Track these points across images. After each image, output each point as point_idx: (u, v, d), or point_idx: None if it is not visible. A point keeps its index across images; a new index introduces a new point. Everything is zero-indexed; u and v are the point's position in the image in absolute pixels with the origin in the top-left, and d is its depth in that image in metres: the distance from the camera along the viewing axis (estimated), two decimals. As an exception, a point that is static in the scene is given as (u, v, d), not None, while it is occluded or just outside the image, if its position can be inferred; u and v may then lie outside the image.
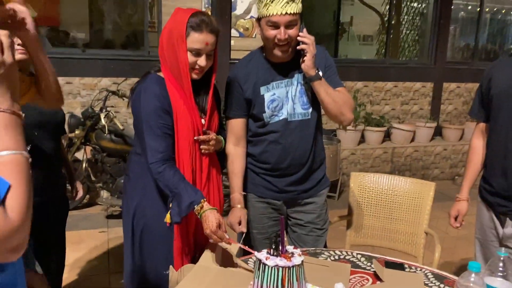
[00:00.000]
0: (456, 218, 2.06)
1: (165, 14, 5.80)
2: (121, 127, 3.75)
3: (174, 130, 1.67)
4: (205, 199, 1.61)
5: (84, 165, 3.92)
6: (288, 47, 1.79)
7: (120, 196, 3.61)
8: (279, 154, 1.91)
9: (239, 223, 1.84)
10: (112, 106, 4.12)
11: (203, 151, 1.75)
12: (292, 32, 1.75)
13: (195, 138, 1.71)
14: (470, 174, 2.07)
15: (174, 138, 1.67)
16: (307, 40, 1.75)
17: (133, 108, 1.71)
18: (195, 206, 1.58)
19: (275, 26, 1.73)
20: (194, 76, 1.66)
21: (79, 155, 3.96)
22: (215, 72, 1.75)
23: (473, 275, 1.16)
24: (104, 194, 3.95)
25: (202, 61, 1.64)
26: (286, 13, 1.70)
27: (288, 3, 1.69)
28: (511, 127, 1.83)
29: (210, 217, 1.57)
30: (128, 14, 5.87)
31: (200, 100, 1.75)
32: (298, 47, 1.77)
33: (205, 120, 1.75)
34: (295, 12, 1.71)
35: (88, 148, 3.97)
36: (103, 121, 3.73)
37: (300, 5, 1.74)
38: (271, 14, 1.71)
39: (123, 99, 4.00)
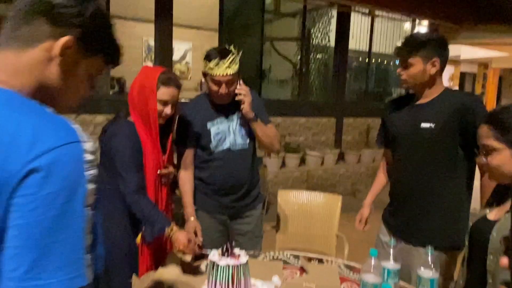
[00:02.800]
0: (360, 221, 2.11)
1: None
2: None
3: (143, 165, 1.74)
4: (174, 223, 1.69)
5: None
6: (228, 97, 1.94)
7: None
8: (223, 177, 2.01)
9: (195, 234, 1.91)
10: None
11: (163, 182, 1.83)
12: (231, 88, 1.91)
13: (158, 172, 1.79)
14: (375, 187, 2.13)
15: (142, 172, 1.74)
16: (243, 91, 1.91)
17: (105, 147, 1.75)
18: (166, 229, 1.66)
19: (218, 83, 1.88)
20: (161, 121, 1.77)
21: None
22: (175, 118, 1.87)
23: (373, 259, 1.36)
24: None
25: (168, 109, 1.75)
26: (227, 74, 1.84)
27: (229, 67, 1.84)
28: (403, 157, 1.87)
29: (180, 237, 1.65)
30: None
31: (162, 140, 1.83)
32: (236, 98, 1.91)
33: (165, 157, 1.84)
34: (234, 72, 1.86)
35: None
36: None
37: (238, 65, 1.88)
38: (215, 74, 1.85)
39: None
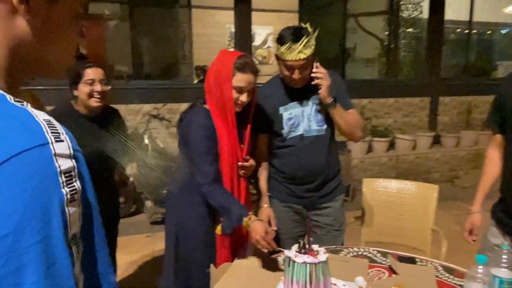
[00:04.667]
0: (470, 232, 1.77)
1: (196, 48, 5.91)
2: (161, 145, 3.80)
3: (219, 156, 1.67)
4: (252, 212, 1.61)
5: (131, 179, 3.97)
6: (302, 81, 1.79)
7: (162, 205, 3.63)
8: (295, 165, 1.89)
9: (269, 223, 1.82)
10: (154, 128, 4.18)
11: (241, 174, 1.75)
12: (305, 72, 1.75)
13: (239, 164, 1.71)
14: (484, 185, 1.75)
15: (218, 161, 1.68)
16: (320, 75, 1.74)
17: (182, 137, 1.72)
18: (244, 218, 1.58)
19: (291, 68, 1.73)
20: (237, 109, 1.67)
21: (127, 170, 4.01)
22: (253, 106, 1.76)
23: (480, 267, 1.13)
24: (148, 203, 3.99)
25: (244, 97, 1.65)
26: (300, 58, 1.69)
27: (301, 51, 1.67)
28: None
29: (258, 226, 1.56)
30: (164, 49, 5.97)
31: (239, 130, 1.75)
32: (313, 83, 1.75)
33: (244, 147, 1.76)
34: (307, 56, 1.69)
35: (134, 164, 4.03)
36: (146, 141, 3.79)
37: (313, 47, 1.71)
38: (287, 59, 1.71)
39: (163, 122, 4.06)
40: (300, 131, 1.88)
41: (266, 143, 1.95)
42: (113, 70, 5.65)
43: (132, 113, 4.76)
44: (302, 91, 1.86)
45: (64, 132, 0.49)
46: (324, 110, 1.84)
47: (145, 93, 4.82)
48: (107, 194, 2.03)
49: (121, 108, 4.74)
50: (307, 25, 1.74)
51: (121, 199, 3.93)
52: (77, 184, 0.48)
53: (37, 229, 0.43)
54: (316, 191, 1.94)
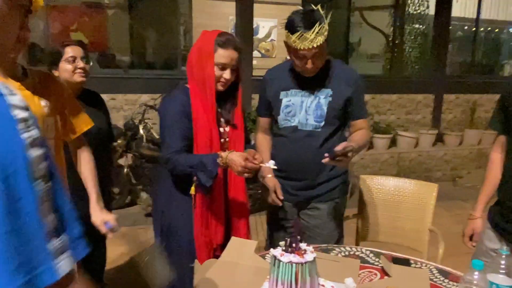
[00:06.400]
0: (471, 237, 1.69)
1: (196, 39, 5.82)
2: (157, 137, 3.74)
3: (193, 136, 1.59)
4: (221, 151, 1.53)
5: (126, 170, 3.92)
6: (314, 71, 1.69)
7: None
8: (285, 157, 1.79)
9: (275, 192, 1.76)
10: (149, 119, 4.11)
11: (246, 176, 1.56)
12: (318, 62, 1.65)
13: (248, 166, 1.49)
14: (486, 189, 1.66)
15: (192, 144, 1.60)
16: (343, 158, 1.51)
17: (159, 112, 1.66)
18: (218, 160, 1.50)
19: (303, 57, 1.63)
20: (220, 87, 1.59)
21: (122, 161, 3.97)
22: (241, 87, 1.68)
23: (476, 272, 1.05)
24: (143, 195, 3.94)
25: (227, 74, 1.57)
26: (313, 47, 1.58)
27: (313, 40, 1.56)
28: None
29: (234, 158, 1.47)
30: (164, 39, 5.89)
31: (224, 112, 1.67)
32: (328, 162, 1.52)
33: (223, 130, 1.67)
34: (321, 43, 1.58)
35: (129, 155, 3.98)
36: (141, 132, 3.73)
37: (326, 33, 1.59)
38: (299, 48, 1.59)
39: (159, 113, 3.99)
40: (295, 122, 1.78)
41: (269, 126, 1.89)
42: (114, 60, 5.60)
43: (130, 103, 4.70)
44: (309, 80, 1.75)
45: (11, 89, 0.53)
46: (329, 109, 1.74)
47: (144, 83, 4.75)
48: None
49: (119, 97, 4.71)
50: (318, 8, 1.61)
51: (116, 190, 3.88)
52: (35, 132, 0.52)
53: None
54: (305, 189, 1.84)
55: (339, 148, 1.50)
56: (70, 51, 1.88)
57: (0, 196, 0.46)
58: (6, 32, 0.64)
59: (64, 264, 0.51)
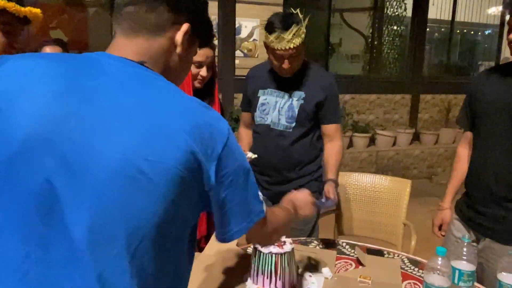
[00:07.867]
0: (440, 227, 1.78)
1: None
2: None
3: None
4: None
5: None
6: (291, 71, 1.75)
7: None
8: (258, 153, 1.82)
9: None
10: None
11: None
12: (295, 63, 1.71)
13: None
14: (454, 182, 1.76)
15: None
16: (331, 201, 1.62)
17: None
18: None
19: (280, 58, 1.69)
20: (197, 85, 1.68)
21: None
22: (217, 84, 1.77)
23: (440, 258, 1.14)
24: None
25: (203, 72, 1.66)
26: (290, 47, 1.65)
27: (290, 41, 1.63)
28: (490, 140, 1.53)
29: None
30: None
31: None
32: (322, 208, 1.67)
33: None
34: (298, 45, 1.65)
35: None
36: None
37: (303, 35, 1.65)
38: (276, 48, 1.66)
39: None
40: (268, 120, 1.85)
41: (250, 120, 1.96)
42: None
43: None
44: (286, 82, 1.81)
45: None
46: (302, 111, 1.80)
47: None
48: None
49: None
50: (297, 11, 1.68)
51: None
52: None
53: None
54: (277, 185, 1.89)
55: (330, 195, 1.62)
56: (48, 51, 1.89)
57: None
58: None
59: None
